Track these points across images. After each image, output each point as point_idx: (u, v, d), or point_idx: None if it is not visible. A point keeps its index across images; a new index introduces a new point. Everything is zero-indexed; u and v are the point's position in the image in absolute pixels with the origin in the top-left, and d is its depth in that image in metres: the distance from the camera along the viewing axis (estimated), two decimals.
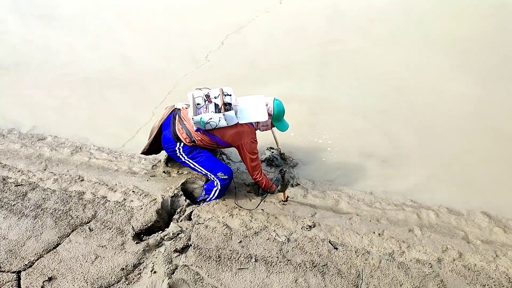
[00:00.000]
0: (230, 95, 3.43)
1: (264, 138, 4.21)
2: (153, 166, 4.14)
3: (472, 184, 3.81)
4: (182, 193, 3.68)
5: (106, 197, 3.67)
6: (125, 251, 3.10)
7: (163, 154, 4.18)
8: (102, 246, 3.15)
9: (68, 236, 3.26)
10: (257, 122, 3.55)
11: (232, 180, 3.61)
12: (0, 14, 7.82)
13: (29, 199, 3.63)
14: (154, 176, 3.98)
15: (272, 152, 4.19)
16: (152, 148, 3.86)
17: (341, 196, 3.74)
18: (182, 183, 3.77)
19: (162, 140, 3.67)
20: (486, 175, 3.88)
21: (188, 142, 3.53)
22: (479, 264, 2.98)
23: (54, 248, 3.16)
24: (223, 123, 3.36)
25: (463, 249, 3.13)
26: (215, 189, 3.58)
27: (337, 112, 4.77)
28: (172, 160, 4.13)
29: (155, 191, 3.73)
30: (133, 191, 3.73)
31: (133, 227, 3.31)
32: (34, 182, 3.86)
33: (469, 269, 2.95)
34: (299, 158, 4.20)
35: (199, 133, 3.46)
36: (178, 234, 3.24)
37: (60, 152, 4.36)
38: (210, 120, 3.32)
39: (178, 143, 3.57)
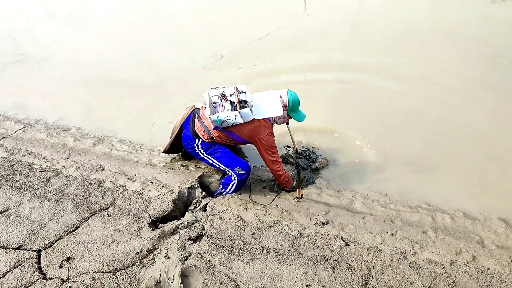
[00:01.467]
0: (245, 93, 3.52)
1: (281, 136, 4.26)
2: (172, 159, 4.23)
3: (490, 191, 3.76)
4: (198, 185, 3.75)
5: (125, 186, 3.78)
6: (141, 237, 3.19)
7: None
8: (119, 231, 3.24)
9: (87, 220, 3.37)
10: (273, 116, 3.61)
11: (248, 176, 3.67)
12: (34, 15, 8.16)
13: (52, 184, 3.77)
14: (172, 168, 4.07)
15: (289, 150, 4.24)
16: (173, 147, 4.01)
17: (355, 196, 3.75)
18: (199, 176, 3.85)
19: (182, 138, 3.80)
20: (505, 182, 3.83)
21: (207, 139, 3.63)
22: (493, 267, 2.95)
23: (73, 230, 3.27)
24: (239, 120, 3.46)
25: (478, 253, 3.10)
26: (232, 183, 3.65)
27: (356, 113, 4.80)
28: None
29: (173, 182, 3.82)
30: (151, 182, 3.82)
31: (149, 215, 3.40)
32: (57, 169, 4.00)
33: (482, 272, 2.92)
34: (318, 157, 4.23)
35: (216, 130, 3.55)
36: (193, 223, 3.31)
37: (83, 143, 4.50)
38: (226, 118, 3.41)
39: (196, 140, 3.69)
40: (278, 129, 4.05)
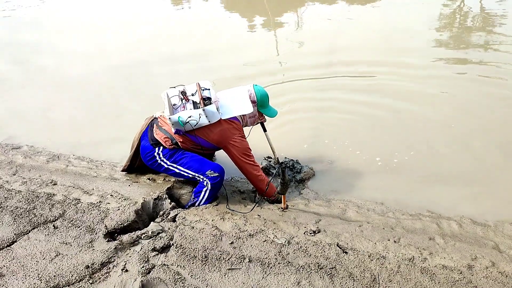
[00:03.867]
0: (209, 89, 3.11)
1: (260, 148, 3.84)
2: (137, 173, 3.69)
3: (496, 196, 3.38)
4: (167, 196, 3.21)
5: (79, 199, 3.20)
6: (93, 249, 2.59)
7: None
8: (66, 244, 2.63)
9: (27, 233, 2.75)
10: (243, 116, 3.19)
11: (223, 180, 3.18)
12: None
13: None
14: (137, 182, 3.53)
15: (269, 161, 3.79)
16: (134, 164, 3.53)
17: (348, 205, 3.28)
18: (168, 188, 3.32)
19: (140, 151, 3.31)
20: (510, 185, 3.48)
21: (169, 145, 3.15)
22: None
23: (8, 245, 2.64)
24: (204, 121, 2.99)
25: (496, 258, 2.64)
26: (204, 189, 3.14)
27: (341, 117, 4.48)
28: None
29: (137, 195, 3.26)
30: (111, 195, 3.26)
31: (106, 226, 2.81)
32: None
33: (506, 276, 2.44)
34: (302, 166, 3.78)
35: (179, 135, 3.09)
36: (159, 233, 2.74)
37: (34, 160, 3.92)
38: (189, 119, 2.95)
39: (157, 148, 3.19)
40: (255, 138, 3.63)
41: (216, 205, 3.16)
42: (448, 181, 3.58)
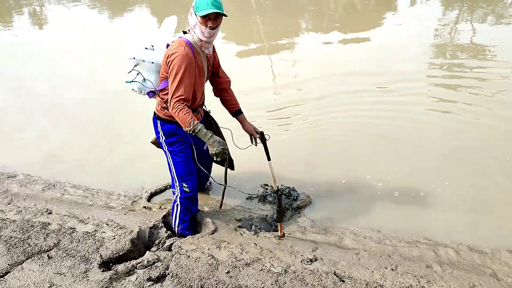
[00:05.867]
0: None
1: (257, 173, 3.85)
2: (133, 202, 3.69)
3: (492, 222, 3.39)
4: (163, 225, 3.20)
5: (74, 228, 3.18)
6: (88, 279, 2.56)
7: (144, 189, 3.81)
8: (60, 274, 2.60)
9: (21, 264, 2.71)
10: (189, 30, 2.78)
11: (194, 201, 3.13)
12: None
13: None
14: (133, 210, 3.51)
15: (266, 189, 3.79)
16: None
17: (345, 233, 3.27)
18: (164, 216, 3.30)
19: None
20: (509, 213, 3.48)
21: (164, 115, 2.94)
22: None
23: (1, 276, 2.61)
24: (146, 69, 2.83)
25: (493, 285, 2.63)
26: (176, 205, 3.10)
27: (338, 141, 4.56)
28: (154, 195, 3.73)
29: (132, 224, 3.25)
30: (106, 224, 3.24)
31: (101, 255, 2.79)
32: None
33: None
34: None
35: (157, 97, 2.95)
36: (154, 262, 2.71)
37: (30, 189, 3.91)
38: (135, 81, 2.85)
39: (159, 122, 3.01)
40: (255, 164, 3.64)
41: (211, 234, 3.13)
42: (444, 207, 3.58)
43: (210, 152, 2.71)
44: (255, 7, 12.01)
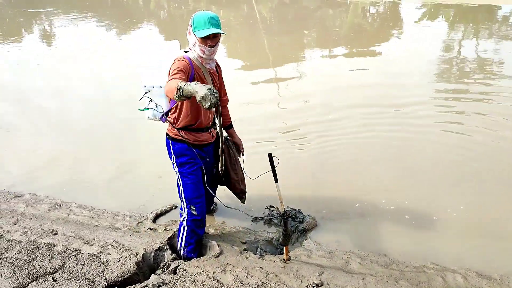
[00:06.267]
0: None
1: (263, 195, 3.84)
2: (138, 223, 3.68)
3: (502, 248, 3.34)
4: (168, 247, 3.19)
5: (79, 249, 3.17)
6: None
7: (150, 210, 3.81)
8: None
9: (26, 286, 2.71)
10: (193, 51, 2.81)
11: (201, 225, 3.13)
12: None
13: None
14: (138, 232, 3.51)
15: (272, 211, 3.77)
16: None
17: (351, 257, 3.24)
18: (169, 238, 3.29)
19: None
20: None
21: (174, 134, 2.96)
22: None
23: None
24: (157, 94, 2.83)
25: None
26: (182, 227, 3.10)
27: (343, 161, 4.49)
28: (160, 216, 3.73)
29: (138, 246, 3.24)
30: (112, 245, 3.24)
31: (106, 278, 2.78)
32: None
33: None
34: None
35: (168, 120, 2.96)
36: (159, 286, 2.70)
37: (36, 208, 3.92)
38: (148, 108, 2.85)
39: (169, 140, 3.03)
40: (261, 185, 3.62)
41: (217, 257, 3.12)
42: (454, 231, 3.55)
43: (197, 99, 2.24)
44: (260, 26, 12.15)
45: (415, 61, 8.16)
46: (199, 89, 2.21)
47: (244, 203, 3.46)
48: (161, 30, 12.32)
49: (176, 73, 2.58)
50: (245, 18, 12.97)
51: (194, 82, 2.29)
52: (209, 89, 2.18)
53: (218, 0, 16.24)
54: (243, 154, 3.47)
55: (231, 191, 3.42)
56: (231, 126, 3.41)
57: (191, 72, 2.71)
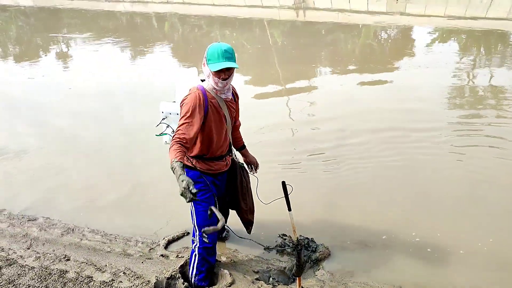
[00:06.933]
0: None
1: (276, 223, 3.81)
2: (150, 249, 3.67)
3: None
4: (180, 275, 3.17)
5: (91, 277, 3.18)
6: None
7: (161, 236, 3.81)
8: None
9: None
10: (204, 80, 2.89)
11: (212, 253, 3.13)
12: None
13: (2, 274, 3.14)
14: (150, 258, 3.50)
15: (284, 239, 3.74)
16: None
17: None
18: (181, 265, 3.28)
19: None
20: None
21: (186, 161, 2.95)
22: None
23: None
24: (174, 121, 2.98)
25: None
26: (193, 255, 3.08)
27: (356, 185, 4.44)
28: (172, 242, 3.73)
29: (150, 273, 3.23)
30: (123, 273, 3.23)
31: None
32: (13, 259, 3.40)
33: None
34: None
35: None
36: None
37: (49, 233, 3.94)
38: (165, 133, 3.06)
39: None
40: (274, 213, 3.59)
41: (229, 286, 3.09)
42: (470, 262, 3.47)
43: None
44: (274, 50, 12.28)
45: (428, 86, 8.13)
46: (179, 184, 2.36)
47: (250, 233, 3.45)
48: (175, 54, 12.51)
49: (184, 123, 2.64)
50: (258, 42, 13.13)
51: (179, 173, 2.41)
52: (184, 188, 2.33)
53: (232, 23, 16.48)
54: (256, 171, 3.48)
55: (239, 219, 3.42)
56: (243, 147, 3.44)
57: (204, 103, 2.74)
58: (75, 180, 5.09)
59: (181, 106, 2.75)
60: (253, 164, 3.48)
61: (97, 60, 11.59)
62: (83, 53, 12.42)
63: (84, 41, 13.74)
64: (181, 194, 2.36)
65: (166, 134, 2.93)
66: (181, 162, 2.47)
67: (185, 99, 2.74)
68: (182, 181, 2.35)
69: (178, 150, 2.55)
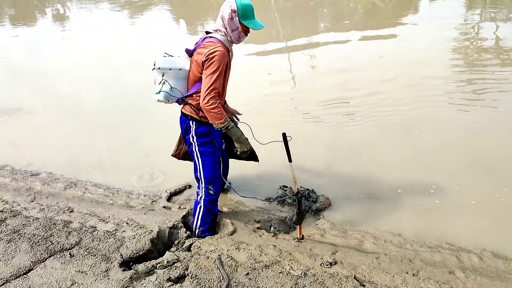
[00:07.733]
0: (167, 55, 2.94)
1: (277, 174, 3.83)
2: (152, 201, 3.72)
3: None
4: (182, 225, 3.21)
5: (95, 227, 3.22)
6: (109, 278, 2.59)
7: (164, 189, 3.83)
8: (82, 272, 2.64)
9: (44, 261, 2.76)
10: (225, 32, 2.83)
11: (217, 201, 3.18)
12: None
13: (7, 225, 3.20)
14: (152, 210, 3.54)
15: (285, 190, 3.77)
16: (180, 149, 3.39)
17: (365, 236, 3.23)
18: (183, 216, 3.32)
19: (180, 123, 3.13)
20: None
21: (200, 115, 2.93)
22: None
23: (25, 273, 2.65)
24: (174, 77, 2.84)
25: None
26: (198, 206, 3.12)
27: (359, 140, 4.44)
28: (174, 195, 3.76)
29: (152, 224, 3.27)
30: (126, 223, 3.28)
31: (121, 255, 2.82)
32: (17, 210, 3.46)
33: None
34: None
35: (188, 100, 2.93)
36: (174, 263, 2.73)
37: (52, 187, 3.98)
38: (160, 86, 2.83)
39: (191, 122, 2.97)
40: (274, 164, 3.60)
41: (230, 235, 3.14)
42: (468, 212, 3.50)
43: (239, 150, 2.99)
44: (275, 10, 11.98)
45: (433, 41, 7.97)
46: (244, 143, 2.98)
47: (258, 162, 3.41)
48: (174, 11, 12.23)
49: (217, 79, 2.71)
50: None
51: (240, 132, 2.97)
52: (251, 147, 3.04)
53: None
54: (238, 120, 3.45)
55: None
56: (225, 102, 3.34)
57: (227, 59, 2.81)
58: (77, 139, 5.11)
59: (208, 60, 2.70)
60: (234, 114, 3.45)
61: (94, 22, 11.35)
62: (79, 14, 12.14)
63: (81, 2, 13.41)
64: (245, 152, 2.85)
65: (162, 91, 2.85)
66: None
67: (215, 54, 2.69)
68: (247, 141, 3.00)
69: (222, 108, 2.79)
